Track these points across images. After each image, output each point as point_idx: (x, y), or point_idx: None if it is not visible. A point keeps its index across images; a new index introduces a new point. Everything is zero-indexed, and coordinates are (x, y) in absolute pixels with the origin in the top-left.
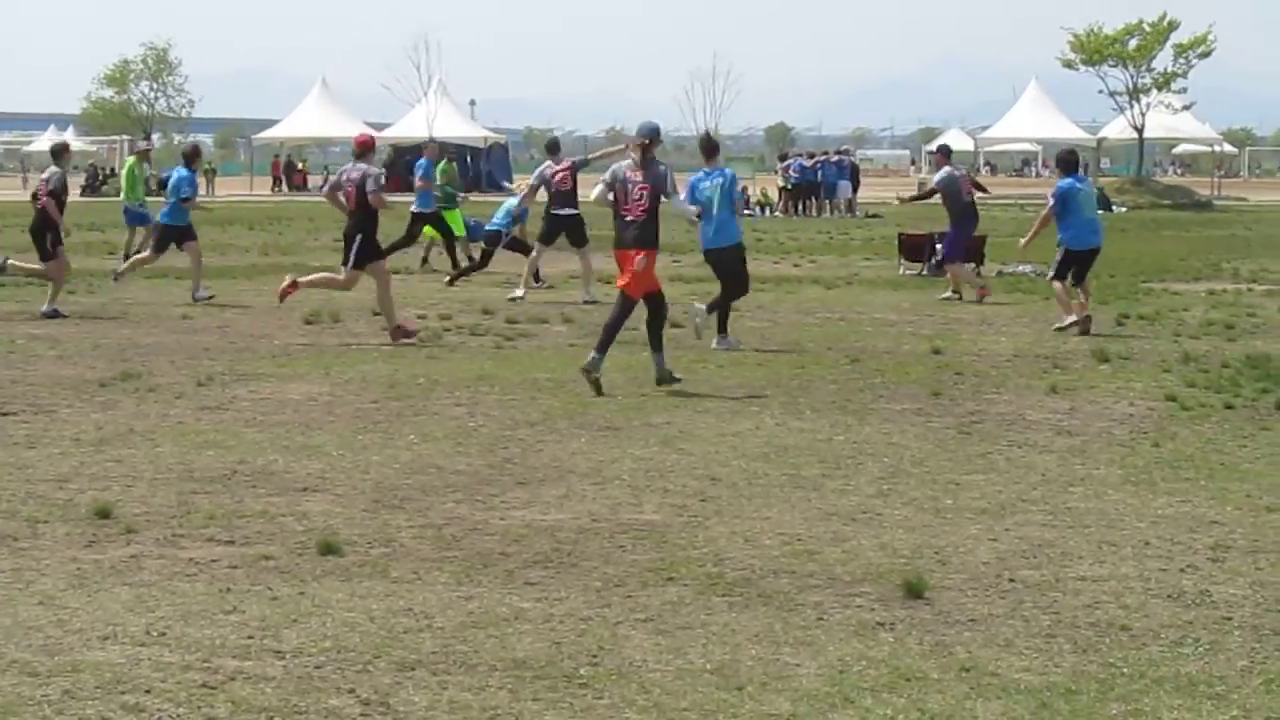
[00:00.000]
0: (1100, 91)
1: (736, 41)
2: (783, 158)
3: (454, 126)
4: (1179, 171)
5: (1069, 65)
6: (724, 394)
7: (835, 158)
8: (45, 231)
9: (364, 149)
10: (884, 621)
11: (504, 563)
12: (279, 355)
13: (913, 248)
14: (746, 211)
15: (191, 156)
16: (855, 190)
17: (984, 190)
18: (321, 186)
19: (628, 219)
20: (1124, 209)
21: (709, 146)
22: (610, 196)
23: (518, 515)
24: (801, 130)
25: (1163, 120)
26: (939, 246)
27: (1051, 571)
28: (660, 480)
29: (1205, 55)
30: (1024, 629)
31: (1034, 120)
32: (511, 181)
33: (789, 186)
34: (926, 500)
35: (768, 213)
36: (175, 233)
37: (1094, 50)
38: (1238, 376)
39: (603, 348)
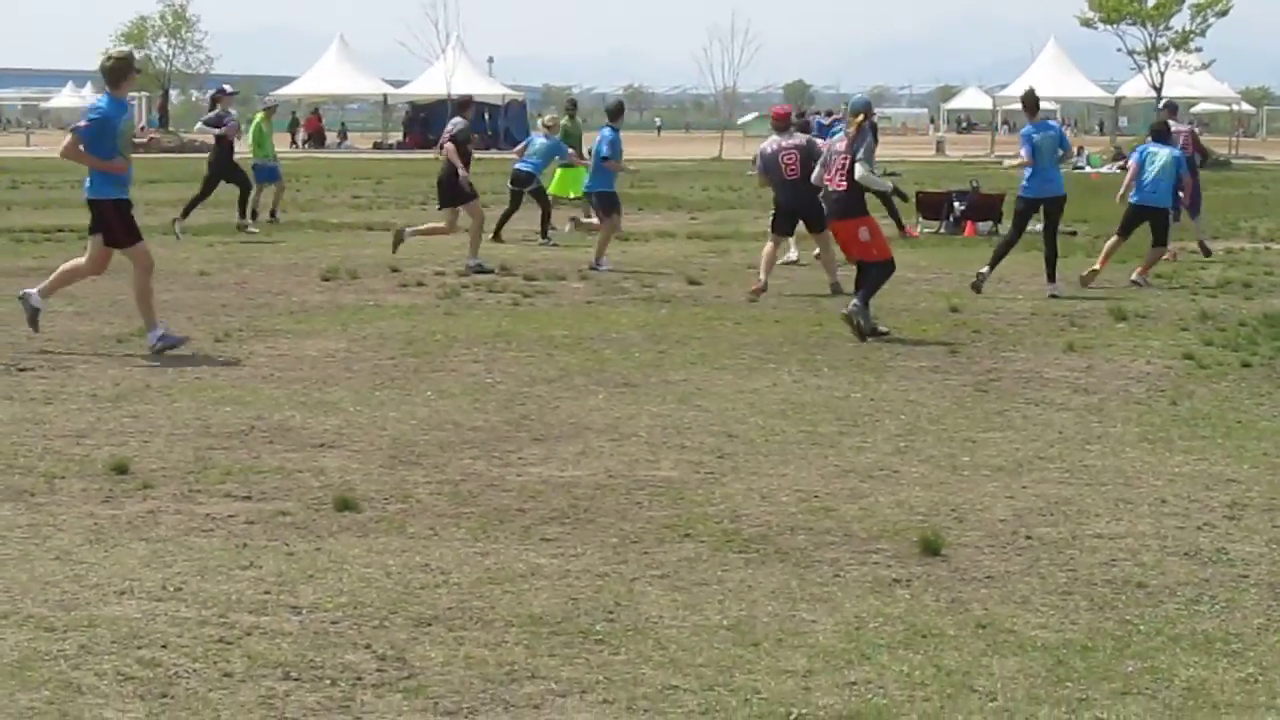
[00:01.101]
0: (1118, 50)
1: None
2: (800, 114)
3: (472, 84)
4: (1198, 130)
5: (1087, 24)
6: (742, 351)
7: None
8: (453, 178)
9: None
10: (900, 578)
11: (520, 519)
12: (296, 312)
13: (930, 206)
14: None
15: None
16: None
17: (1204, 154)
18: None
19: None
20: None
21: (1031, 102)
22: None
23: (534, 471)
24: (820, 88)
25: (1181, 79)
26: (956, 204)
27: (1068, 529)
28: (677, 437)
29: (1223, 14)
30: (1040, 586)
31: (1052, 79)
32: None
33: None
34: (943, 458)
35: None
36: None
37: (1112, 9)
38: (1255, 335)
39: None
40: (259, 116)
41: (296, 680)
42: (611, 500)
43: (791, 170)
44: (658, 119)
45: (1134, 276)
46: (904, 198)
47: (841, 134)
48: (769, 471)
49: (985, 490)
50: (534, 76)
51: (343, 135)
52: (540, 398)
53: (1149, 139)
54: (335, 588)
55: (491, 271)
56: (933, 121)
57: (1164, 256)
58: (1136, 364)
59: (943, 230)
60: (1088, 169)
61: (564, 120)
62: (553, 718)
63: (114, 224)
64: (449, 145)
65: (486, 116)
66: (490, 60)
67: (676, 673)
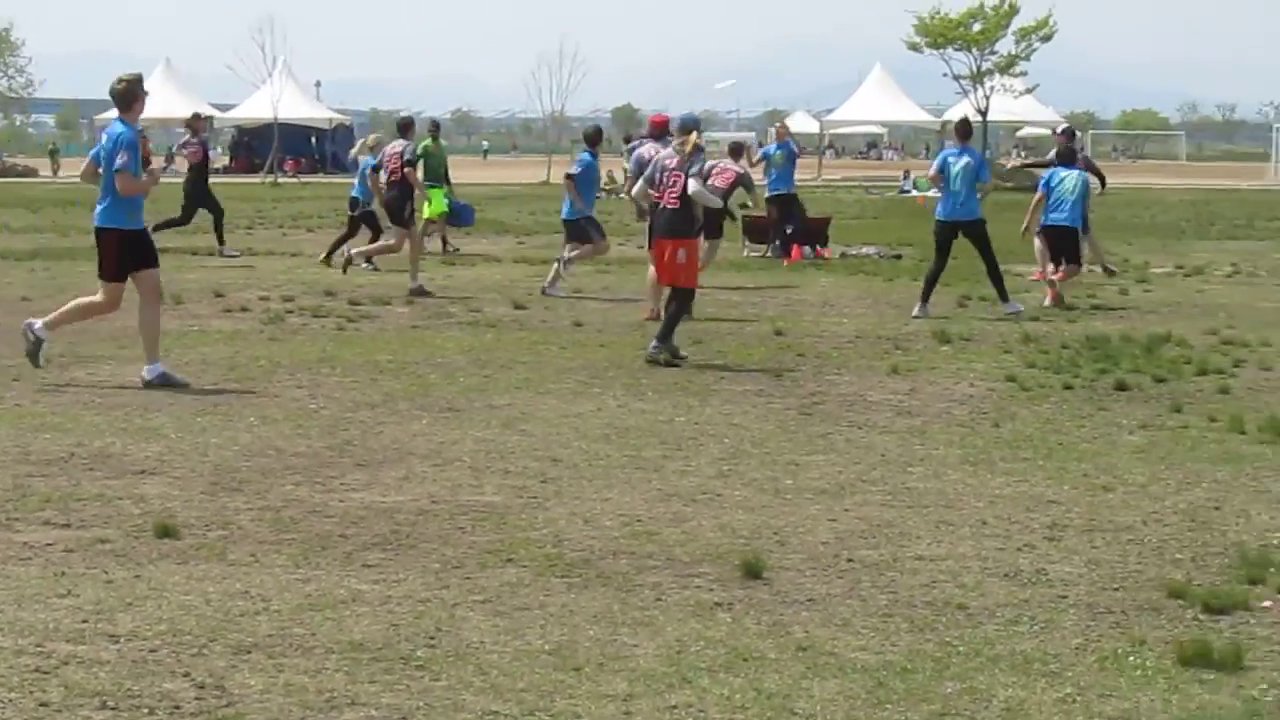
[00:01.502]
0: (944, 75)
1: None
2: (627, 140)
3: (299, 108)
4: (1022, 154)
5: (914, 48)
6: (567, 375)
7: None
8: (405, 203)
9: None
10: (722, 601)
11: (342, 545)
12: (119, 337)
13: (757, 230)
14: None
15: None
16: None
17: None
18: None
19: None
20: None
21: (964, 129)
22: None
23: (357, 497)
24: (649, 112)
25: (1006, 103)
26: (787, 229)
27: (889, 551)
28: (501, 462)
29: (1047, 39)
30: (861, 608)
31: (879, 103)
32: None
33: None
34: (766, 481)
35: (613, 195)
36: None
37: (938, 33)
38: (1077, 357)
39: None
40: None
41: (114, 710)
42: (434, 526)
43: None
44: (485, 142)
45: (1049, 301)
46: (733, 218)
47: (672, 150)
48: (592, 496)
49: (808, 513)
50: (361, 100)
51: (169, 159)
52: (364, 423)
53: (1056, 164)
54: (154, 615)
55: (431, 294)
56: (760, 144)
57: (1075, 275)
58: (960, 386)
59: (769, 254)
60: (914, 192)
61: (426, 142)
62: None
63: (109, 255)
64: (407, 170)
65: (313, 140)
66: (318, 84)
67: (497, 698)
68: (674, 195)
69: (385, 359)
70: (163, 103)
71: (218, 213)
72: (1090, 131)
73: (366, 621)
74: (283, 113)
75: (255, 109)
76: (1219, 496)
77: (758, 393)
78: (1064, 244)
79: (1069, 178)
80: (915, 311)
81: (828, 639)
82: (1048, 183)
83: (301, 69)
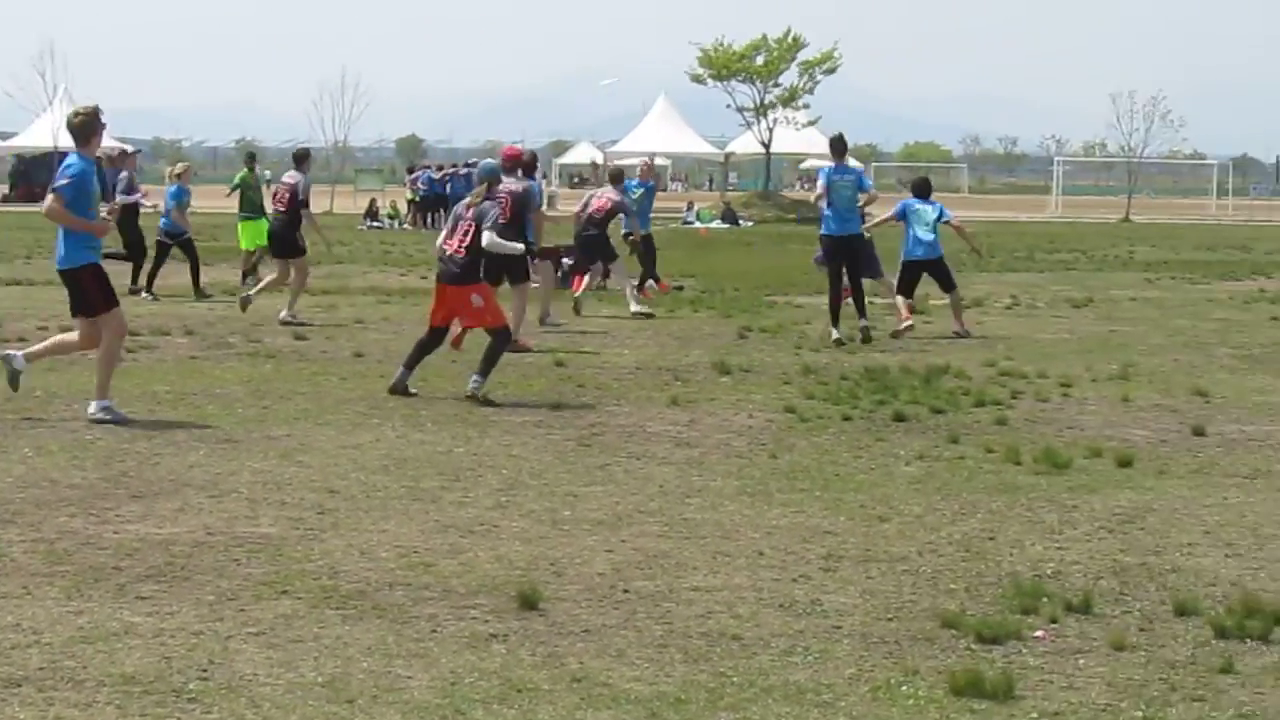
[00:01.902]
0: (728, 106)
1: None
2: (411, 170)
3: None
4: (806, 186)
5: (698, 80)
6: (346, 406)
7: (464, 170)
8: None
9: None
10: (497, 633)
11: (116, 577)
12: None
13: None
14: (375, 224)
15: None
16: None
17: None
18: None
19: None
20: (750, 223)
21: (839, 146)
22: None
23: (132, 529)
24: (433, 142)
25: (789, 136)
26: (565, 260)
27: (666, 582)
28: (278, 493)
29: (831, 72)
30: (637, 639)
31: (663, 134)
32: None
33: (417, 199)
34: (544, 512)
35: (396, 225)
36: None
37: (722, 66)
38: (856, 389)
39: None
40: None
41: None
42: (209, 557)
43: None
44: (268, 172)
45: (954, 328)
46: (532, 254)
47: (469, 199)
48: (369, 527)
49: (585, 544)
50: (145, 129)
51: None
52: (140, 454)
53: (911, 196)
54: None
55: (306, 325)
56: (545, 177)
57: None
58: (739, 418)
59: (555, 285)
60: (697, 224)
61: (244, 173)
62: None
63: (91, 291)
64: (301, 201)
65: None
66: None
67: None
68: (462, 243)
69: (163, 389)
70: None
71: (140, 256)
72: (873, 164)
73: (139, 654)
74: (64, 141)
75: (35, 137)
76: (993, 527)
77: (537, 424)
78: (935, 274)
79: (925, 210)
80: (834, 335)
81: (602, 670)
82: (904, 213)
83: (83, 97)
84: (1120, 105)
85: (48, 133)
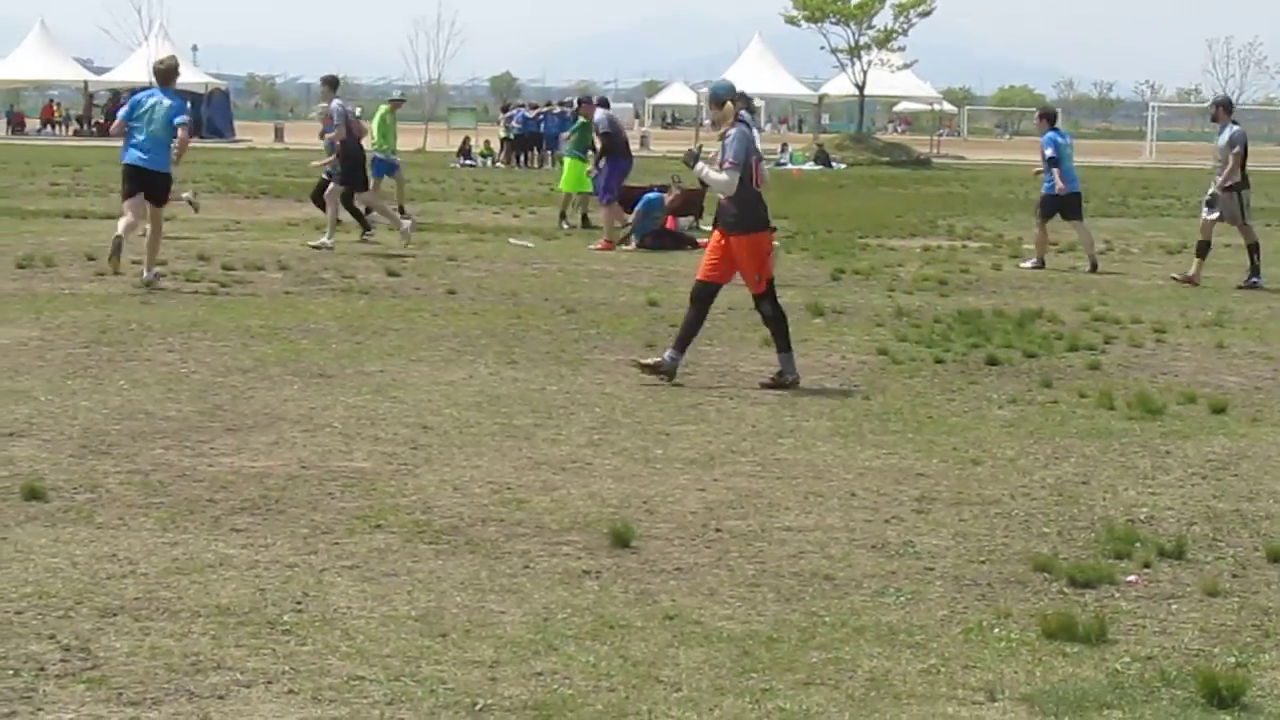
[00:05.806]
0: (822, 48)
1: None
2: (505, 109)
3: None
4: (900, 129)
5: (791, 21)
6: (439, 343)
7: (558, 109)
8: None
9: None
10: (590, 570)
11: (211, 509)
12: None
13: (629, 201)
14: (468, 162)
15: None
16: None
17: None
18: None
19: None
20: (843, 165)
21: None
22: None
23: (226, 462)
24: (526, 81)
25: (884, 78)
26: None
27: (758, 522)
28: (371, 428)
29: (926, 14)
30: (729, 578)
31: (757, 75)
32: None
33: (511, 137)
34: (637, 450)
35: (489, 163)
36: None
37: (816, 7)
38: (949, 331)
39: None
40: (383, 109)
41: None
42: (303, 491)
43: None
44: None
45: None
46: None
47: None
48: (462, 463)
49: (677, 483)
50: (239, 65)
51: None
52: (235, 388)
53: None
54: (20, 578)
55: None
56: (638, 116)
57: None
58: (831, 359)
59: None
60: (790, 166)
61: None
62: (237, 708)
63: (166, 189)
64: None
65: (189, 105)
66: (195, 48)
67: (363, 663)
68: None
69: (257, 324)
70: (39, 64)
71: None
72: (966, 108)
73: (234, 586)
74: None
75: (131, 72)
76: (1087, 471)
77: (630, 362)
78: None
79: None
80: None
81: (694, 608)
82: (1054, 142)
83: (178, 33)
84: (1216, 51)
85: (143, 68)
